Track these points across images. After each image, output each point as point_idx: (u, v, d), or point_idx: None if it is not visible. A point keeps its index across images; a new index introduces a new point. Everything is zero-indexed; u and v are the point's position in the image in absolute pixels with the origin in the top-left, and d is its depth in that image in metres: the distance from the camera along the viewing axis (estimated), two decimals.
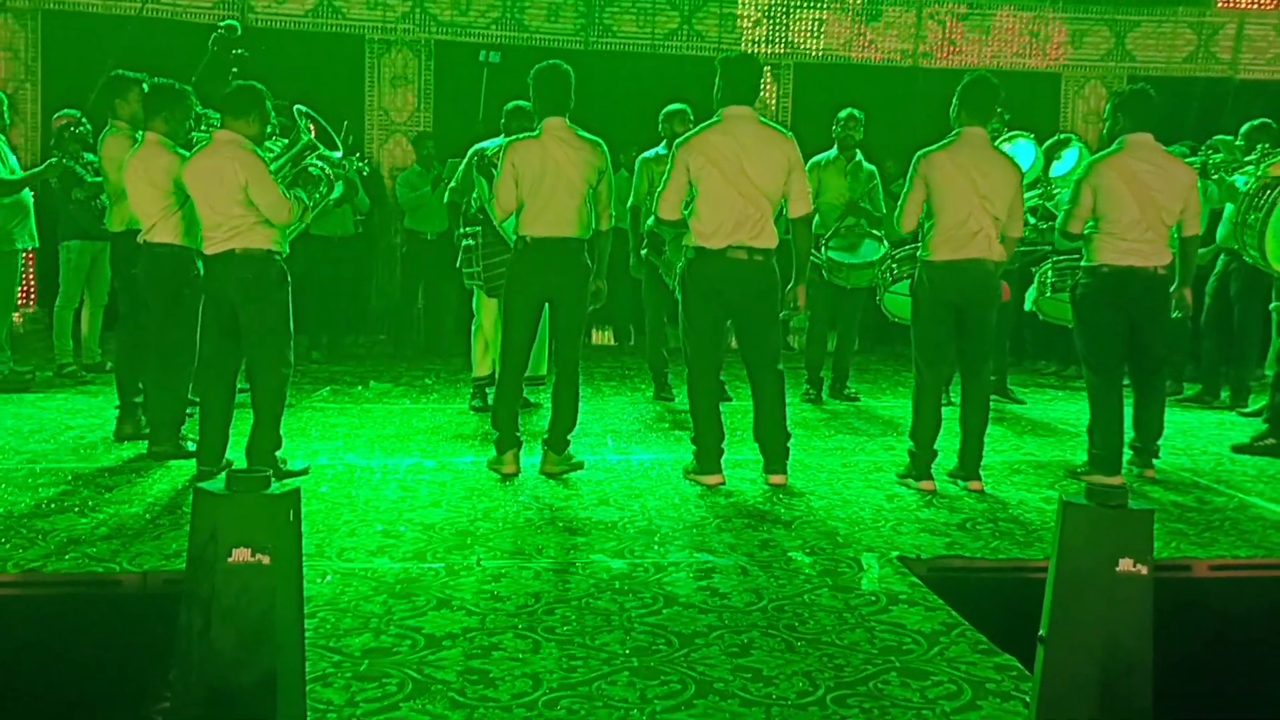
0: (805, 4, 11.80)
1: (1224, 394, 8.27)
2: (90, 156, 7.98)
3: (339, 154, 6.64)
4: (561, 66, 5.46)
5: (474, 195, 6.82)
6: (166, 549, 4.23)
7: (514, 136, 5.63)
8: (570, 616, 3.59)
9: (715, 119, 5.29)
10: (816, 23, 11.86)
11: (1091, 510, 2.47)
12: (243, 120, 5.31)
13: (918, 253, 5.51)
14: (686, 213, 5.31)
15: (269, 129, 5.82)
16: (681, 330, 5.49)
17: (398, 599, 3.73)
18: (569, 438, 5.59)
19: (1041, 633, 2.56)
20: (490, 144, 7.02)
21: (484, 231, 6.66)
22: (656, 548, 4.37)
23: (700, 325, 5.37)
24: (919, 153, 5.35)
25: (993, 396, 6.49)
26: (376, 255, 11.05)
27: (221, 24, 8.54)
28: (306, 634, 3.11)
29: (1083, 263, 5.61)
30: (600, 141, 5.50)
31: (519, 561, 4.17)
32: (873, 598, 3.82)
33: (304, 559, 2.92)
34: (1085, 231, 5.51)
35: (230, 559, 2.30)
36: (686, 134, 5.39)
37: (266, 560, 2.31)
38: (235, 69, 8.60)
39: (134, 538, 4.38)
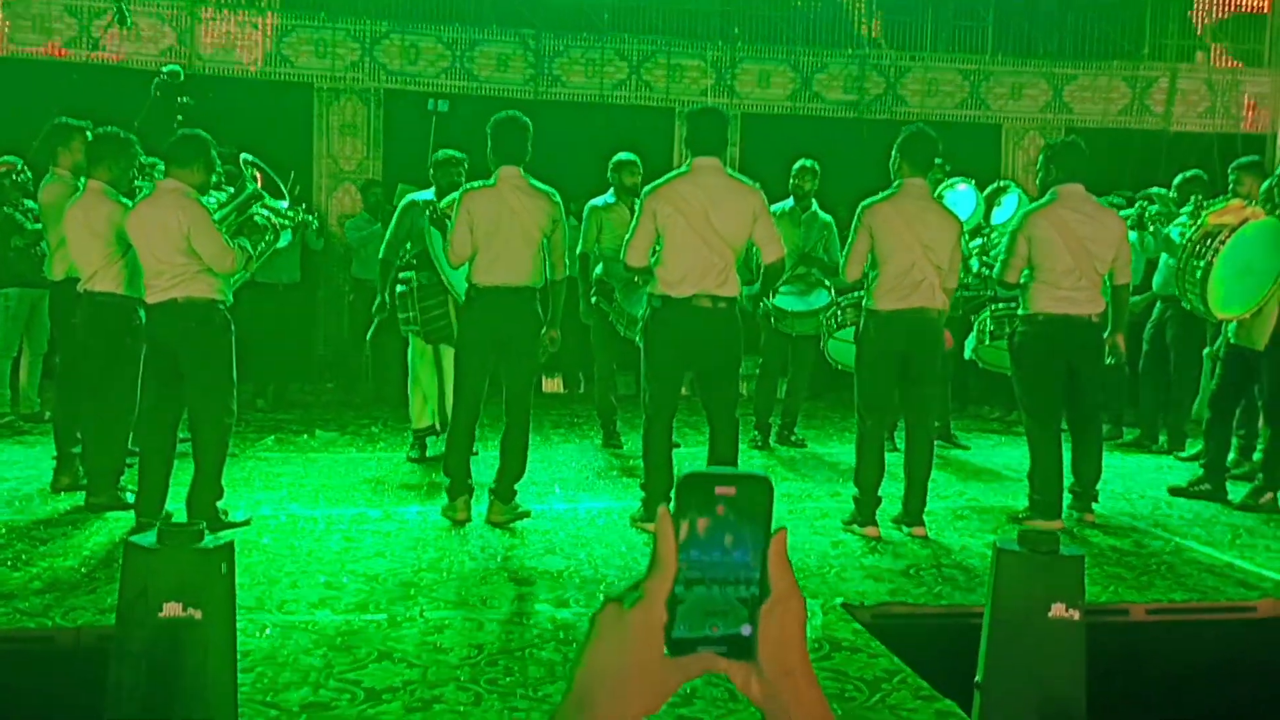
0: (751, 56, 11.98)
1: (1162, 439, 8.43)
2: (30, 204, 7.90)
3: (285, 203, 6.63)
4: (521, 118, 5.54)
5: (408, 245, 6.84)
6: (102, 603, 4.15)
7: (468, 185, 5.66)
8: (513, 668, 3.57)
9: (684, 169, 5.36)
10: (763, 74, 12.04)
11: (1024, 556, 2.51)
12: (187, 169, 5.29)
13: (863, 301, 5.58)
14: (653, 260, 5.35)
15: (214, 178, 5.80)
16: (642, 377, 5.50)
17: (338, 651, 3.68)
18: (516, 487, 5.57)
19: (978, 679, 2.58)
20: (421, 195, 7.05)
21: (418, 277, 6.65)
22: (601, 598, 4.34)
23: (662, 372, 5.39)
24: (863, 203, 5.44)
25: (937, 442, 6.57)
26: (321, 303, 11.00)
27: (164, 70, 8.51)
28: (244, 689, 3.08)
29: (1019, 311, 5.71)
30: (554, 192, 5.57)
31: (463, 612, 4.14)
32: (816, 645, 3.83)
33: (243, 612, 2.89)
34: (1021, 280, 5.63)
35: (161, 614, 2.27)
36: (655, 183, 5.41)
37: (198, 615, 2.28)
38: (180, 116, 8.57)
39: (69, 591, 4.30)
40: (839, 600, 4.34)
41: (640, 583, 0.83)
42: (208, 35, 11.06)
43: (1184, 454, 7.99)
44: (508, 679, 3.46)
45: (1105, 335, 5.64)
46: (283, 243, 7.45)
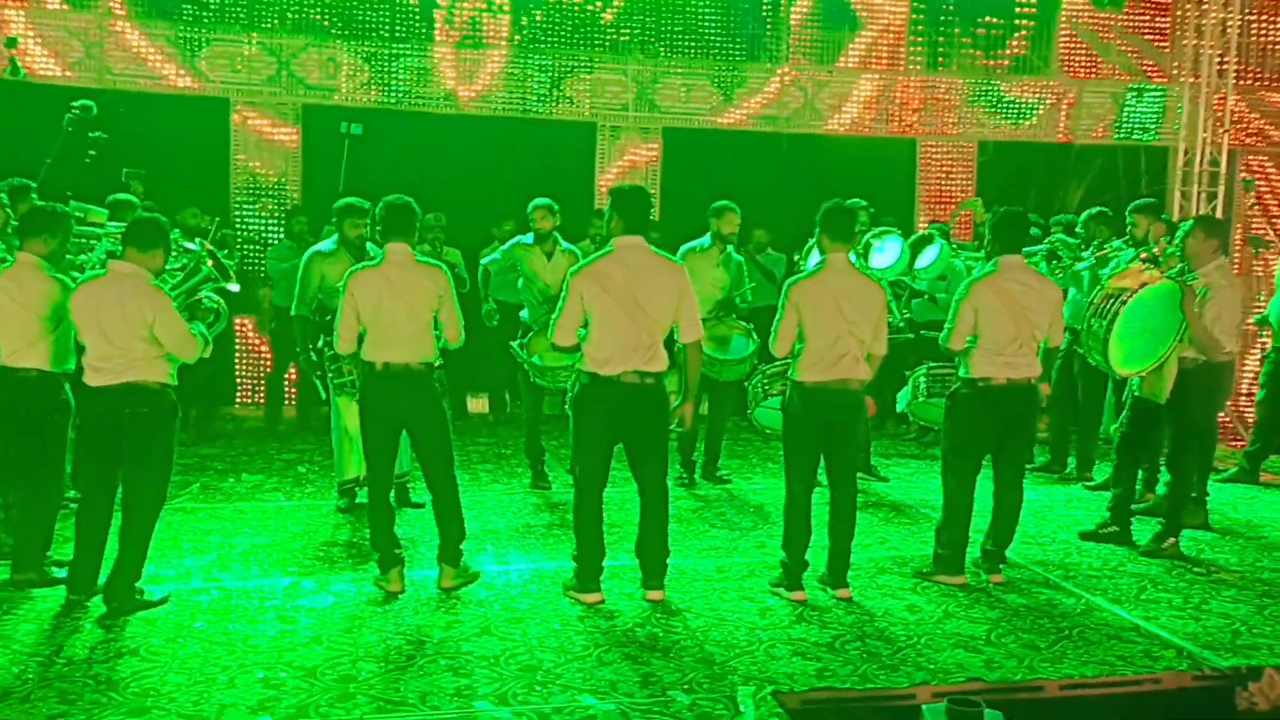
0: (672, 71, 12.04)
1: (1071, 462, 8.78)
2: None
3: (236, 287, 6.44)
4: (409, 203, 5.63)
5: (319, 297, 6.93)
6: (37, 715, 4.14)
7: (354, 267, 5.72)
8: None
9: (608, 249, 5.44)
10: (684, 89, 12.11)
11: None
12: (148, 253, 5.24)
13: (788, 372, 5.72)
14: (581, 335, 5.42)
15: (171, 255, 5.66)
16: (572, 452, 5.60)
17: None
18: (461, 547, 5.67)
19: None
20: (323, 245, 7.03)
21: None
22: (539, 689, 4.45)
23: (591, 447, 5.48)
24: (789, 281, 5.60)
25: (859, 475, 6.65)
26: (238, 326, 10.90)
27: (76, 104, 8.31)
28: None
29: (961, 374, 5.90)
30: (441, 265, 5.71)
31: (402, 715, 4.21)
32: None
33: None
34: (965, 346, 5.81)
35: None
36: (580, 263, 5.50)
37: None
38: (93, 151, 8.41)
39: (2, 699, 4.27)
40: (770, 689, 4.48)
41: None
42: (118, 49, 10.78)
43: (1093, 482, 8.34)
44: None
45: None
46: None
